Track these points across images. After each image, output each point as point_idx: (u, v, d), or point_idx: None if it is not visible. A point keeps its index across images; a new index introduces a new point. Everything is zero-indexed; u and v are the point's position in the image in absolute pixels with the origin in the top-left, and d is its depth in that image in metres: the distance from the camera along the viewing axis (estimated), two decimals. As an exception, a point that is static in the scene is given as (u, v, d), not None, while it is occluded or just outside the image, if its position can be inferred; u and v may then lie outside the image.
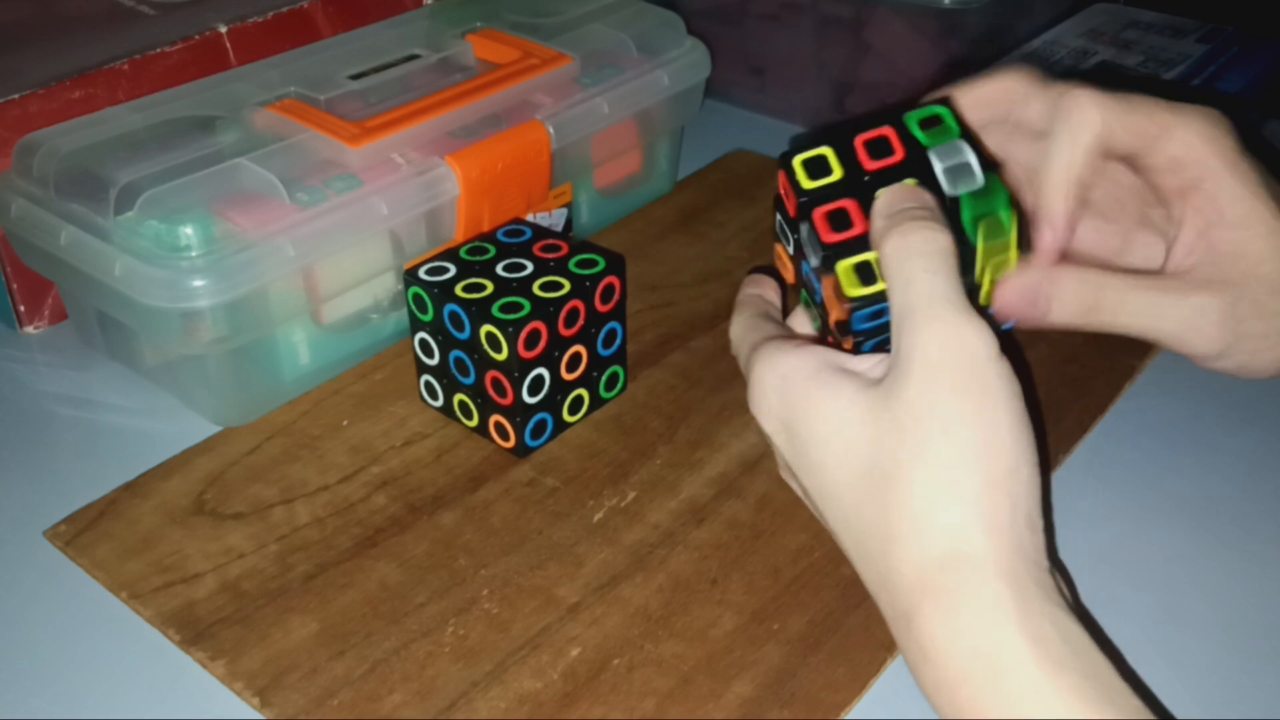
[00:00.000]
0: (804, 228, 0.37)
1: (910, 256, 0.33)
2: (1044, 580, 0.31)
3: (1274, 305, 0.38)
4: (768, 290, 0.43)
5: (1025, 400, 0.32)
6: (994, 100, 0.40)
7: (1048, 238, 0.38)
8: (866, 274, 0.36)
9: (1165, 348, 0.40)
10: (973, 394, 0.31)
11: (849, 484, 0.33)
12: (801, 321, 0.42)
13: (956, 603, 0.30)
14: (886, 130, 0.37)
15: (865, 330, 0.37)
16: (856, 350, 0.37)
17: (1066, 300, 0.38)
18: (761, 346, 0.37)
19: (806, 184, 0.37)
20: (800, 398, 0.34)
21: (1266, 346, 0.38)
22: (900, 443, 0.32)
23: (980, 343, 0.32)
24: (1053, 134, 0.39)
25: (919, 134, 0.37)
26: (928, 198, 0.35)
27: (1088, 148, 0.38)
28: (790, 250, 0.40)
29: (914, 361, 0.32)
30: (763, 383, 0.36)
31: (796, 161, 0.37)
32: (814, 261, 0.37)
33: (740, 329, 0.40)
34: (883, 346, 0.37)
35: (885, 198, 0.35)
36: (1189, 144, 0.38)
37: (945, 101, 0.41)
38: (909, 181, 0.36)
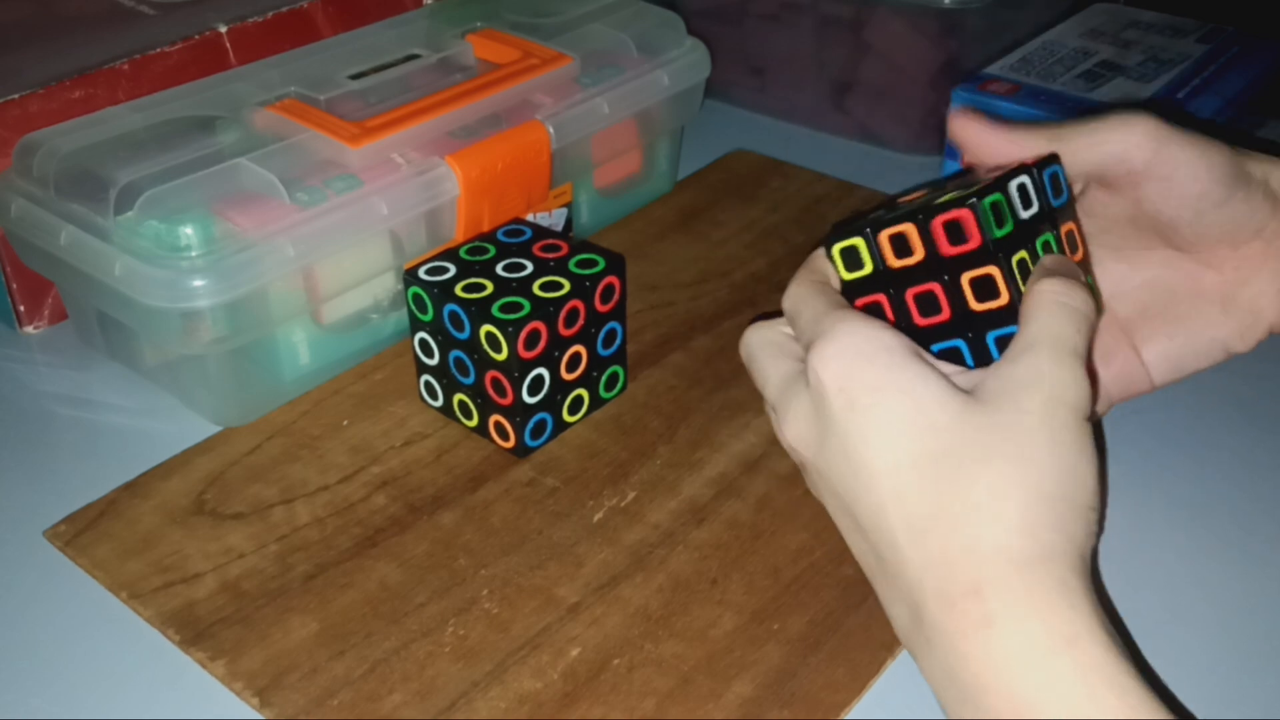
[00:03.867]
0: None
1: (1065, 305, 0.35)
2: (1093, 598, 0.32)
3: (1196, 144, 0.38)
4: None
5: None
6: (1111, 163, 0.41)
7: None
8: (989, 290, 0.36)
9: (1110, 177, 0.40)
10: (1073, 436, 0.33)
11: (913, 463, 0.33)
12: None
13: (1035, 582, 0.31)
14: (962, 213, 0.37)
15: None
16: None
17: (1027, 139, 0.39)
18: (845, 311, 0.36)
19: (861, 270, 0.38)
20: (878, 371, 0.34)
21: (1192, 164, 0.39)
22: (991, 445, 0.32)
23: (1087, 399, 0.33)
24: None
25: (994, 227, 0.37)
26: (1084, 277, 0.37)
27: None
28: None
29: (1031, 383, 0.33)
30: (840, 344, 0.35)
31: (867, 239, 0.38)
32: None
33: (801, 293, 0.39)
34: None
35: (1054, 257, 0.37)
36: (1120, 139, 0.39)
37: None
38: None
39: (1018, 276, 0.36)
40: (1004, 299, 0.36)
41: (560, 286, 0.45)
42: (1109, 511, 0.44)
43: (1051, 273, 0.36)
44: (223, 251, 0.44)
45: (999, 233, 0.36)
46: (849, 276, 0.38)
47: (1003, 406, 0.33)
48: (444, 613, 0.40)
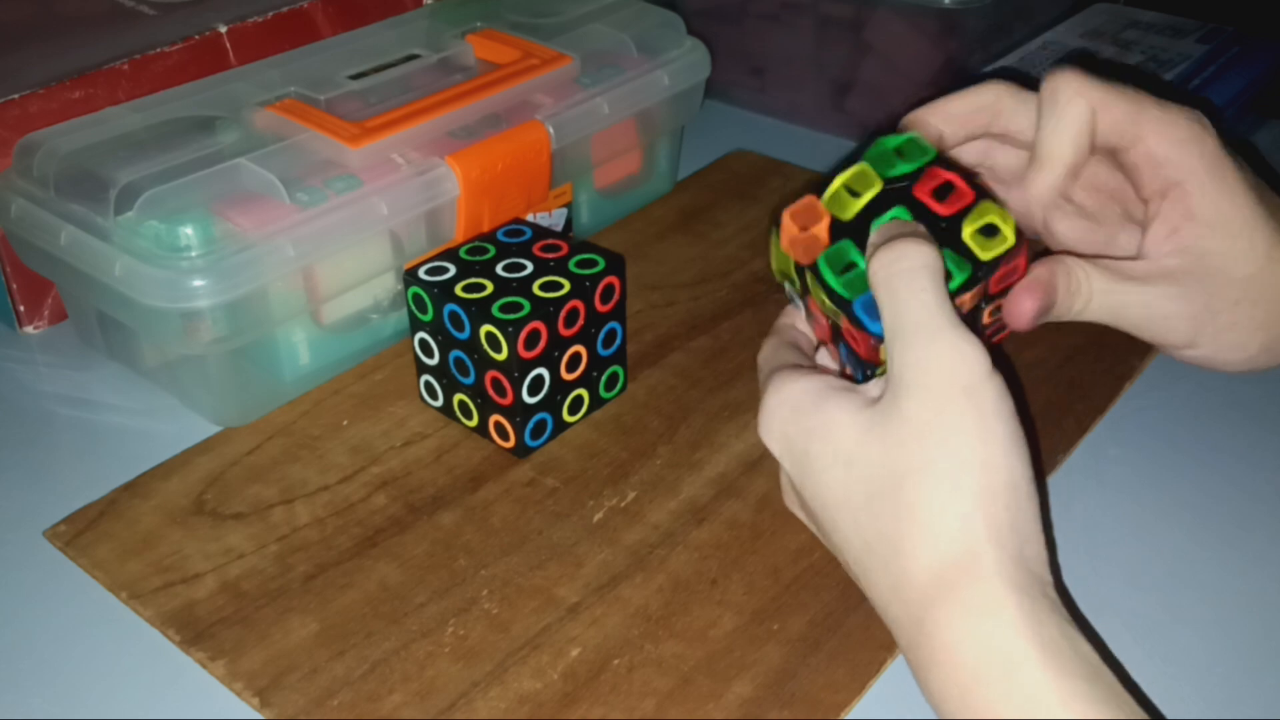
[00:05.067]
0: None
1: (898, 273, 0.33)
2: (1047, 590, 0.32)
3: (1242, 301, 0.38)
4: (800, 320, 0.43)
5: (1019, 414, 0.33)
6: (976, 115, 0.41)
7: (1044, 179, 0.39)
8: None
9: (1138, 335, 0.40)
10: (968, 411, 0.32)
11: (854, 498, 0.33)
12: (826, 358, 0.42)
13: (963, 607, 0.31)
14: (862, 168, 0.38)
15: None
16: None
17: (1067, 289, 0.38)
18: (775, 374, 0.37)
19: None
20: (804, 418, 0.35)
21: (1236, 341, 0.39)
22: (901, 457, 0.32)
23: (973, 359, 0.32)
24: (1042, 124, 0.39)
25: (896, 166, 0.38)
26: (919, 226, 0.36)
27: (1077, 133, 0.39)
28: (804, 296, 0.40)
29: (905, 380, 0.33)
30: (769, 407, 0.37)
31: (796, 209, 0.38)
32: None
33: (765, 354, 0.41)
34: None
35: (879, 233, 0.36)
36: (1170, 142, 0.38)
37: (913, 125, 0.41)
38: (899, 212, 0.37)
39: (830, 275, 0.36)
40: (828, 305, 0.37)
41: (560, 286, 0.45)
42: (1108, 511, 0.44)
43: (874, 244, 0.35)
44: (223, 251, 0.44)
45: (844, 216, 0.37)
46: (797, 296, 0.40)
47: (896, 412, 0.33)
48: (444, 613, 0.40)
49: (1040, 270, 0.37)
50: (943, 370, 0.32)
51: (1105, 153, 0.40)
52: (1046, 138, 0.39)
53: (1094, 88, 0.38)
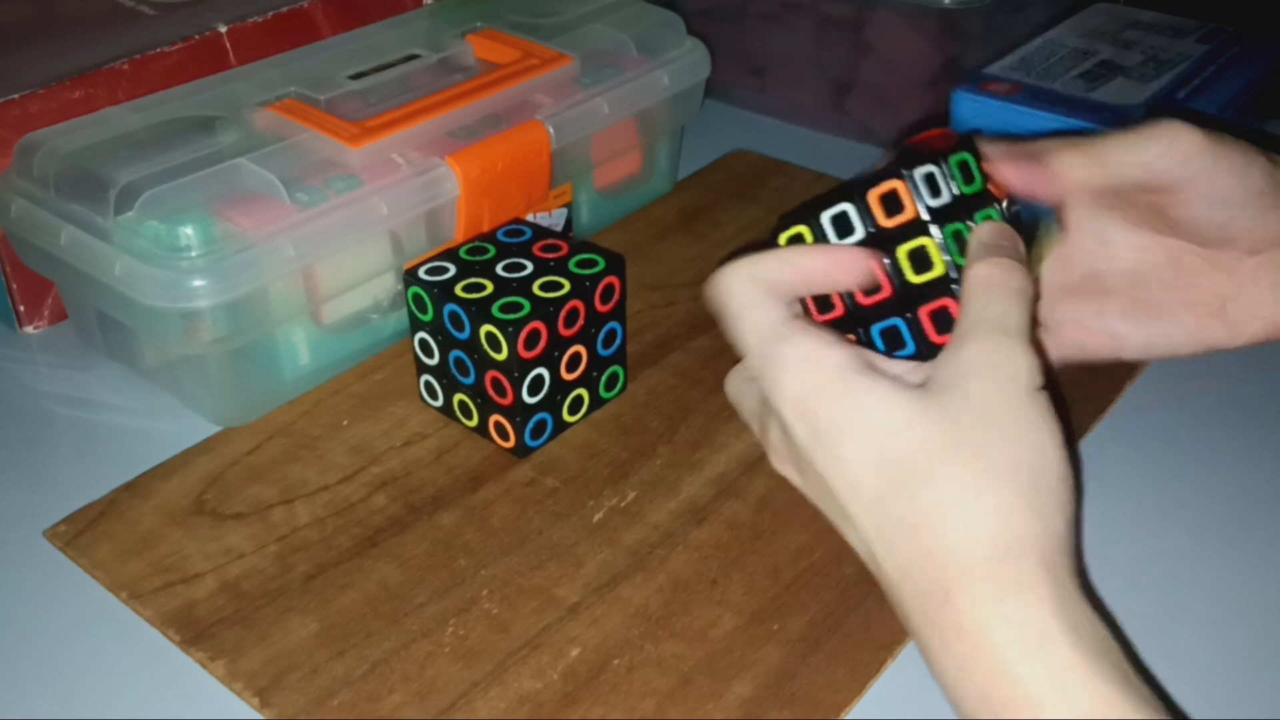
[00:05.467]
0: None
1: (999, 284, 0.35)
2: (1076, 579, 0.32)
3: (1236, 150, 0.38)
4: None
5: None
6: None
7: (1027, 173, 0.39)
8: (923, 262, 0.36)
9: (1162, 193, 0.40)
10: (1030, 410, 0.33)
11: (879, 472, 0.33)
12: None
13: (1001, 582, 0.31)
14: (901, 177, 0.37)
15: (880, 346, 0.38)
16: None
17: (1064, 158, 0.39)
18: (789, 326, 0.36)
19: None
20: (838, 388, 0.34)
21: (1234, 167, 0.39)
22: (952, 439, 0.32)
23: (1038, 371, 0.33)
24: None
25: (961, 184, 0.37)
26: (1021, 247, 0.37)
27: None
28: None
29: (976, 368, 0.33)
30: (795, 368, 0.35)
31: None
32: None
33: (743, 301, 0.37)
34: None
35: (988, 229, 0.36)
36: (1161, 152, 0.38)
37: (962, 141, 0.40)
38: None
39: (953, 248, 0.36)
40: (938, 270, 0.36)
41: (560, 286, 0.45)
42: (1108, 511, 0.44)
43: (987, 251, 0.36)
44: (223, 251, 0.44)
45: (934, 203, 0.36)
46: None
47: (954, 397, 0.33)
48: (444, 613, 0.40)
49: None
50: (1012, 370, 0.33)
51: (1117, 197, 0.40)
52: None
53: (1079, 147, 0.39)
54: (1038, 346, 0.34)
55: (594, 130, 0.55)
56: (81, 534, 0.43)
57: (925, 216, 0.36)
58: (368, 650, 0.38)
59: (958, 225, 0.36)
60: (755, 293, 0.36)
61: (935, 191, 0.36)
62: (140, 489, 0.45)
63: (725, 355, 0.52)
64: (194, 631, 0.39)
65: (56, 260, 0.47)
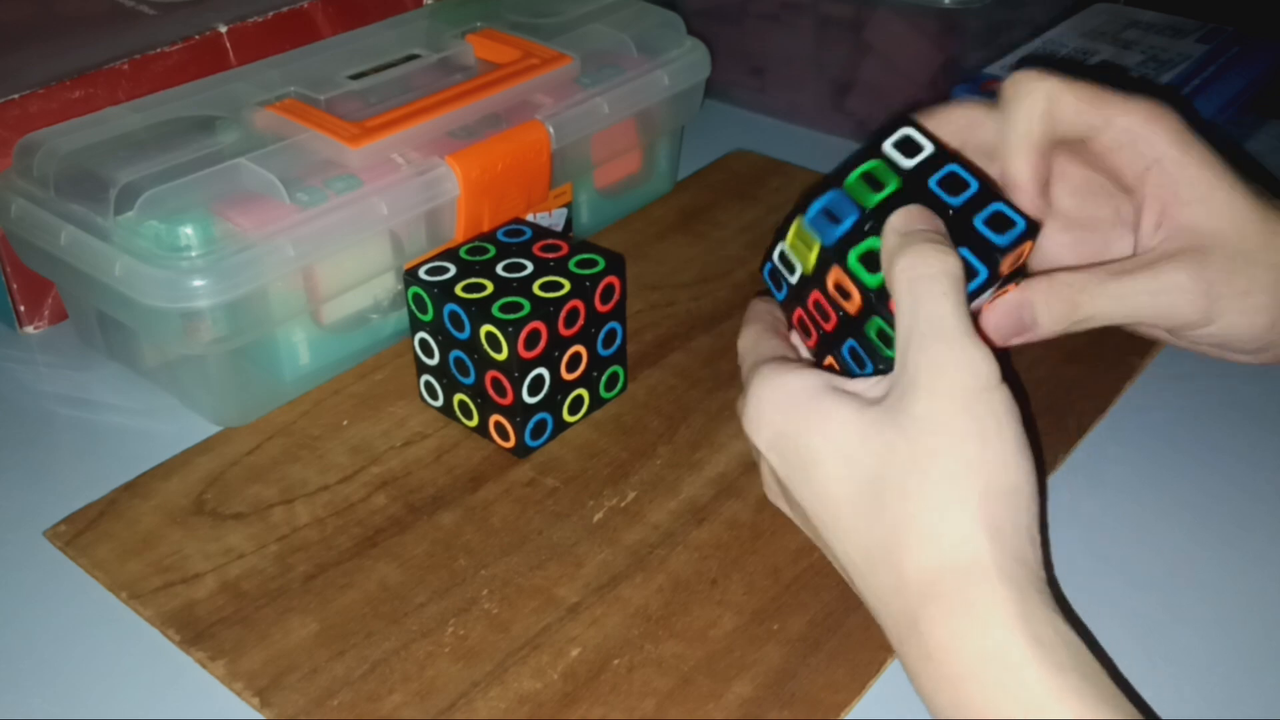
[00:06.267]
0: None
1: (921, 278, 0.34)
2: (1043, 589, 0.32)
3: (1243, 268, 0.38)
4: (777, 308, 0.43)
5: (1023, 421, 0.33)
6: (949, 128, 0.41)
7: (1013, 166, 0.40)
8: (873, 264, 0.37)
9: (1155, 329, 0.40)
10: (978, 415, 0.32)
11: (849, 498, 0.33)
12: (798, 342, 0.42)
13: (961, 604, 0.31)
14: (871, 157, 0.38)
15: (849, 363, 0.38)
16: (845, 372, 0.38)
17: (1049, 307, 0.38)
18: (763, 365, 0.37)
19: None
20: (799, 416, 0.35)
21: (1247, 309, 0.39)
22: (906, 457, 0.32)
23: (985, 368, 0.33)
24: (1004, 114, 0.40)
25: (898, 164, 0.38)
26: (939, 222, 0.36)
27: (1039, 114, 0.39)
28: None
29: (920, 381, 0.33)
30: (760, 400, 0.36)
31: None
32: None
33: (748, 342, 0.41)
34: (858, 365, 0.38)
35: (899, 216, 0.36)
36: (1139, 120, 0.39)
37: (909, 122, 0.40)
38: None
39: (860, 271, 0.36)
40: (856, 298, 0.37)
41: (560, 286, 0.45)
42: (1108, 511, 0.44)
43: (900, 244, 0.35)
44: (223, 251, 0.44)
45: (833, 238, 0.37)
46: (778, 297, 0.41)
47: (906, 412, 0.33)
48: (444, 613, 0.40)
49: (1012, 296, 0.38)
50: (956, 375, 0.32)
51: (1077, 146, 0.40)
52: (1007, 127, 0.40)
53: (1050, 77, 0.39)
54: (985, 340, 0.34)
55: (594, 130, 0.55)
56: (81, 534, 0.43)
57: (830, 250, 0.37)
58: (368, 650, 0.38)
59: (868, 243, 0.36)
60: (749, 338, 0.40)
61: (836, 219, 0.37)
62: (140, 489, 0.45)
63: (725, 355, 0.52)
64: (194, 631, 0.39)
65: (56, 260, 0.47)
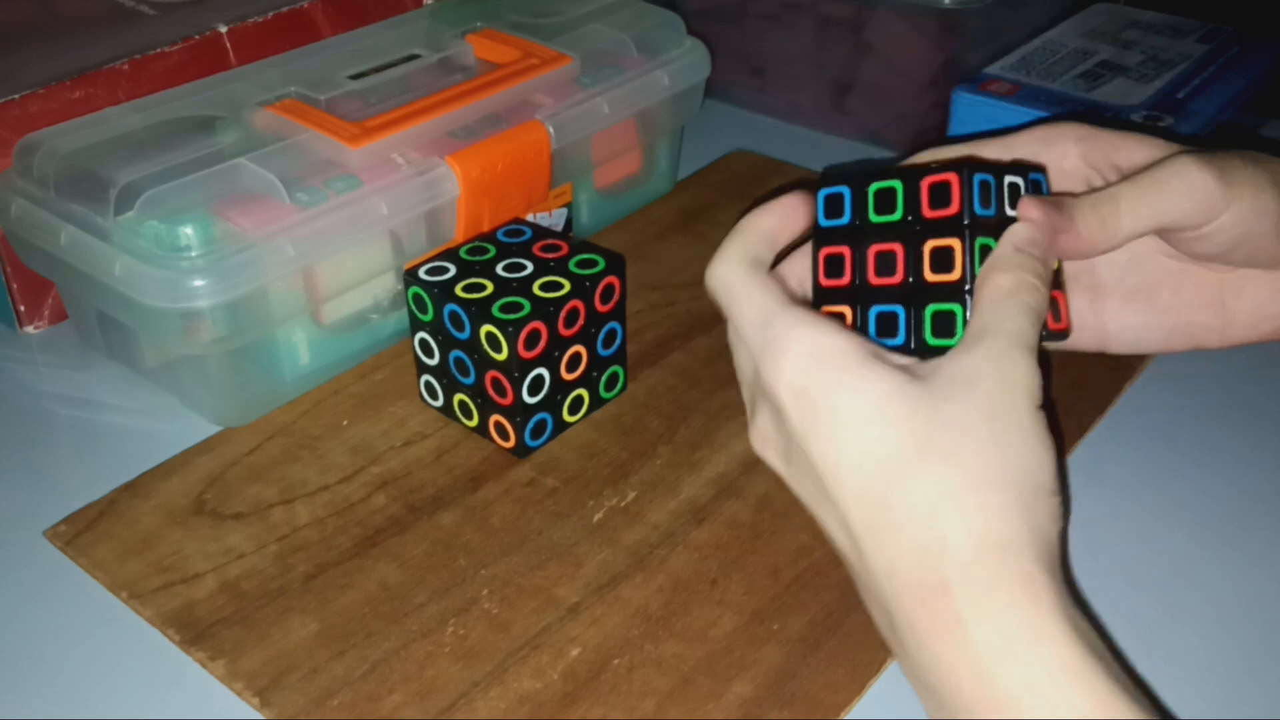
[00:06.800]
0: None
1: (1018, 297, 0.35)
2: (1064, 584, 0.32)
3: (1238, 166, 0.39)
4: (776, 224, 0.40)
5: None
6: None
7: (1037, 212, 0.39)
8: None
9: (1181, 233, 0.39)
10: (1031, 422, 0.33)
11: (876, 462, 0.33)
12: (793, 266, 0.40)
13: (1000, 576, 0.31)
14: (949, 176, 0.37)
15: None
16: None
17: (1085, 219, 0.38)
18: (790, 311, 0.36)
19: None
20: (840, 373, 0.34)
21: (1259, 194, 0.38)
22: (959, 431, 0.32)
23: (1039, 391, 0.34)
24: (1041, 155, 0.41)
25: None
26: (1052, 261, 0.37)
27: (1071, 153, 0.40)
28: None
29: (987, 371, 0.33)
30: (790, 350, 0.35)
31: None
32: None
33: (738, 279, 0.38)
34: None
35: (1024, 231, 0.36)
36: (1142, 150, 0.40)
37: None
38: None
39: (978, 259, 0.36)
40: (956, 274, 0.36)
41: (560, 286, 0.45)
42: (1108, 511, 0.44)
43: (1012, 265, 0.36)
44: (223, 251, 0.44)
45: (981, 211, 0.36)
46: (825, 224, 0.39)
47: (958, 396, 0.33)
48: (444, 613, 0.40)
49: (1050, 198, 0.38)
50: (1024, 383, 0.33)
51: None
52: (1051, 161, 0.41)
53: (1079, 129, 0.41)
54: (1043, 366, 0.34)
55: (594, 130, 0.55)
56: (81, 534, 0.43)
57: (966, 220, 0.36)
58: (368, 650, 0.38)
59: (988, 240, 0.36)
60: (748, 275, 0.37)
61: (986, 201, 0.36)
62: (140, 489, 0.45)
63: (725, 355, 0.51)
64: (194, 631, 0.39)
65: (56, 260, 0.47)
